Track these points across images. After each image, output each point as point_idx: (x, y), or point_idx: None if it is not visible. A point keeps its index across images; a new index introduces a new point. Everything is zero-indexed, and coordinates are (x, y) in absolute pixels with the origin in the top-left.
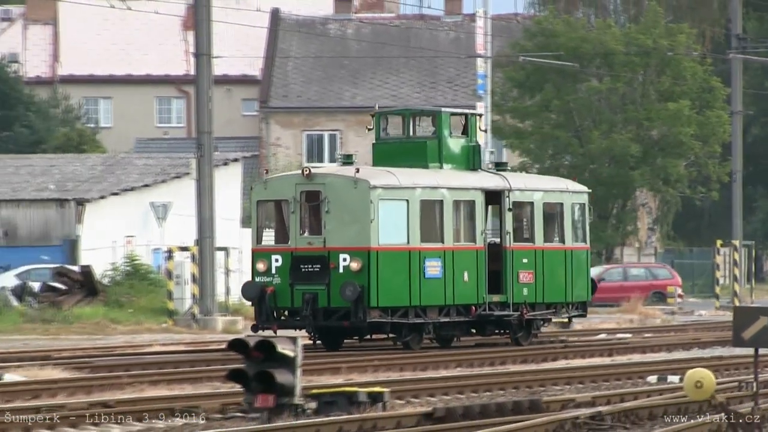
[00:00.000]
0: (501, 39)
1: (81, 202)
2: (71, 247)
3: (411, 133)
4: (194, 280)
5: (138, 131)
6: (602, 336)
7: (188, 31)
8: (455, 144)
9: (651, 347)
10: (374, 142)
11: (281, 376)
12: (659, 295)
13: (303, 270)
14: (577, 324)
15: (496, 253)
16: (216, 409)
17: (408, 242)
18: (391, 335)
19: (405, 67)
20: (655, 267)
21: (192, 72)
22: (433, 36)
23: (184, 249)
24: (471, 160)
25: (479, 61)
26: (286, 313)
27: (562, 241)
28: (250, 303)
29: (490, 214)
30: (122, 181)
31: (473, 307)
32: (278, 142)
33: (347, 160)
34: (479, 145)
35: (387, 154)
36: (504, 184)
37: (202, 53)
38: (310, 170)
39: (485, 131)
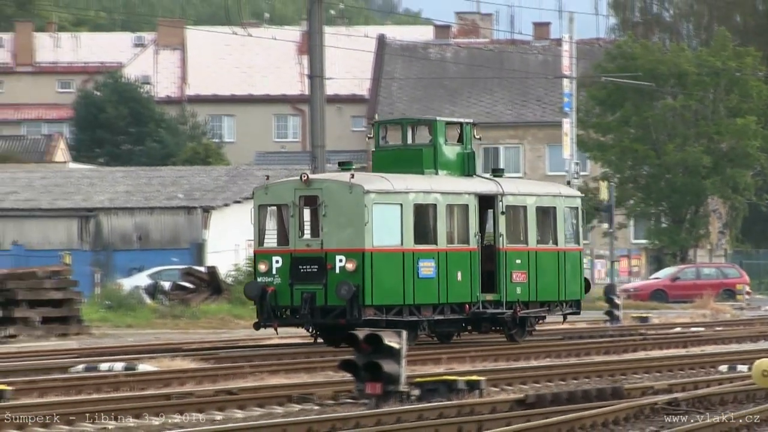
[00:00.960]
0: (585, 61)
1: (207, 210)
2: (198, 250)
3: (408, 141)
4: None
5: (258, 145)
6: (678, 329)
7: (303, 55)
8: (450, 151)
9: (722, 339)
10: (373, 150)
11: (388, 366)
12: (729, 293)
13: (302, 270)
14: (655, 318)
15: (492, 254)
16: (329, 395)
17: (402, 244)
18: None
19: (498, 87)
20: (725, 267)
21: (306, 92)
22: (524, 59)
23: None
24: (466, 166)
25: (565, 81)
26: (288, 312)
27: (555, 242)
28: (252, 302)
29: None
30: (244, 190)
31: (467, 306)
32: None
33: (345, 166)
34: (473, 152)
35: (386, 161)
36: (497, 189)
37: (316, 75)
38: (308, 176)
39: (479, 139)
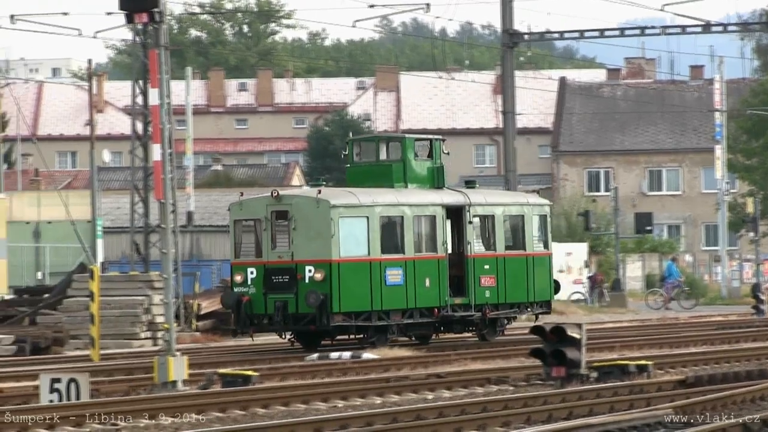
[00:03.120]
0: (733, 97)
1: None
2: None
3: (381, 157)
4: None
5: (460, 170)
6: None
7: (497, 95)
8: (420, 166)
9: None
10: (347, 165)
11: (571, 353)
12: None
13: (274, 281)
14: None
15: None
16: (521, 378)
17: (369, 254)
18: (357, 336)
19: (660, 119)
20: None
21: (500, 125)
22: (682, 96)
23: None
24: (435, 179)
25: (717, 114)
26: (266, 320)
27: (524, 248)
28: (230, 310)
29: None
30: None
31: (436, 309)
32: (566, 177)
33: (316, 183)
34: (443, 167)
35: (359, 176)
36: (464, 200)
37: (508, 111)
38: (278, 192)
39: (448, 154)
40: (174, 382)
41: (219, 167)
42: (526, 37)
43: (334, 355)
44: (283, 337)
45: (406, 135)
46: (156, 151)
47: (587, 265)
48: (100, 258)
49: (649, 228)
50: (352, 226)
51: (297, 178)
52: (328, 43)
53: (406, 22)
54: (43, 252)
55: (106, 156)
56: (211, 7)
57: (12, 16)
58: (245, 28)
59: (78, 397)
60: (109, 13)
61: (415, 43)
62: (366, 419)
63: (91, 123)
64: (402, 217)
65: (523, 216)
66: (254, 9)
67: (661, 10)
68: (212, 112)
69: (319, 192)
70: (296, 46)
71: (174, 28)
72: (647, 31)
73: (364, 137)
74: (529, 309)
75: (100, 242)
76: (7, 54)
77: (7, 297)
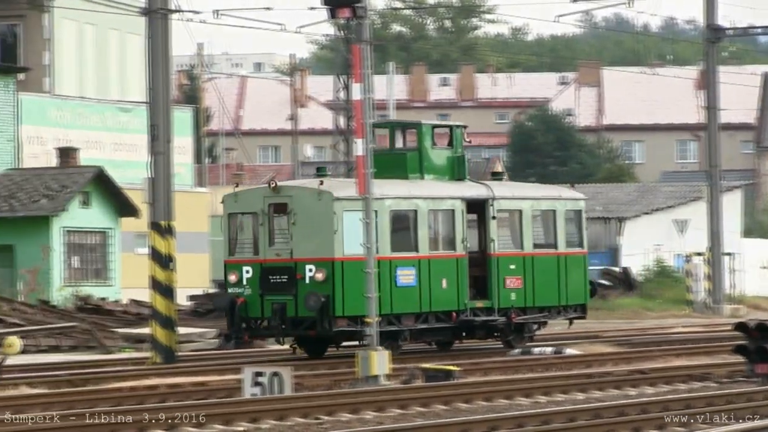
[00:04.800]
0: None
1: (621, 220)
2: (613, 253)
3: (397, 146)
4: (707, 277)
5: (663, 166)
6: None
7: (700, 90)
8: (438, 155)
9: None
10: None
11: None
12: None
13: (272, 281)
14: None
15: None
16: (724, 375)
17: (377, 252)
18: (363, 343)
19: None
20: None
21: (703, 121)
22: None
23: (698, 254)
24: (455, 170)
25: None
26: (262, 324)
27: (555, 247)
28: (223, 314)
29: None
30: (652, 203)
31: (454, 313)
32: None
33: (320, 173)
34: (464, 156)
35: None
36: (488, 193)
37: (711, 107)
38: (276, 183)
39: (470, 142)
40: (376, 377)
41: None
42: (729, 32)
43: (536, 350)
44: (282, 342)
45: (423, 121)
46: (358, 146)
47: None
48: None
49: None
50: (357, 221)
51: None
52: (530, 38)
53: (608, 16)
54: None
55: (309, 150)
56: (413, 3)
57: (215, 12)
58: (447, 23)
59: (281, 391)
60: (311, 8)
61: (617, 38)
62: (568, 415)
63: (293, 117)
64: (415, 211)
65: (554, 211)
66: (456, 4)
67: None
68: (414, 107)
69: (321, 183)
70: (498, 41)
71: (376, 23)
72: None
73: (377, 123)
74: (561, 313)
75: None
76: (211, 49)
77: (210, 291)
